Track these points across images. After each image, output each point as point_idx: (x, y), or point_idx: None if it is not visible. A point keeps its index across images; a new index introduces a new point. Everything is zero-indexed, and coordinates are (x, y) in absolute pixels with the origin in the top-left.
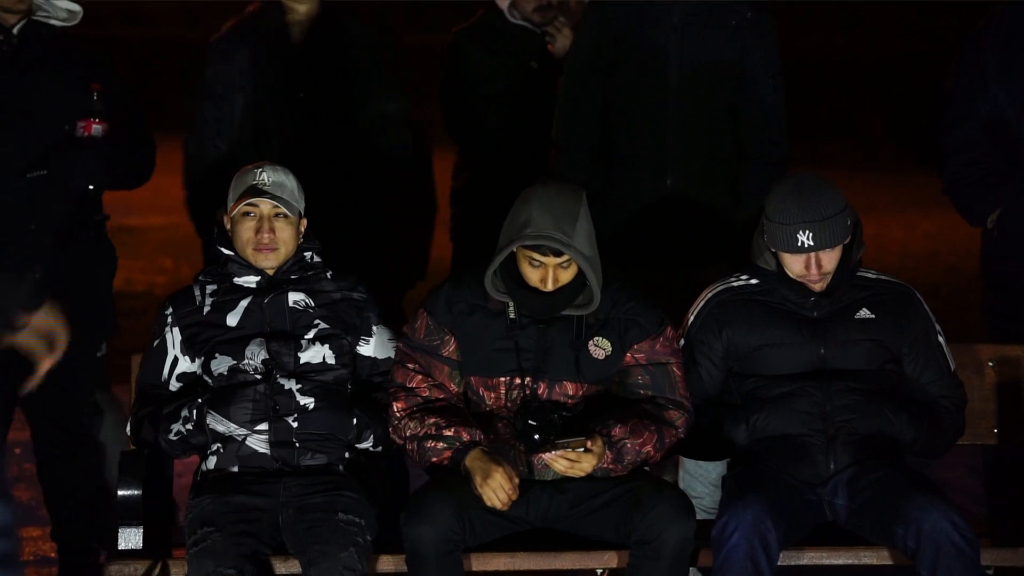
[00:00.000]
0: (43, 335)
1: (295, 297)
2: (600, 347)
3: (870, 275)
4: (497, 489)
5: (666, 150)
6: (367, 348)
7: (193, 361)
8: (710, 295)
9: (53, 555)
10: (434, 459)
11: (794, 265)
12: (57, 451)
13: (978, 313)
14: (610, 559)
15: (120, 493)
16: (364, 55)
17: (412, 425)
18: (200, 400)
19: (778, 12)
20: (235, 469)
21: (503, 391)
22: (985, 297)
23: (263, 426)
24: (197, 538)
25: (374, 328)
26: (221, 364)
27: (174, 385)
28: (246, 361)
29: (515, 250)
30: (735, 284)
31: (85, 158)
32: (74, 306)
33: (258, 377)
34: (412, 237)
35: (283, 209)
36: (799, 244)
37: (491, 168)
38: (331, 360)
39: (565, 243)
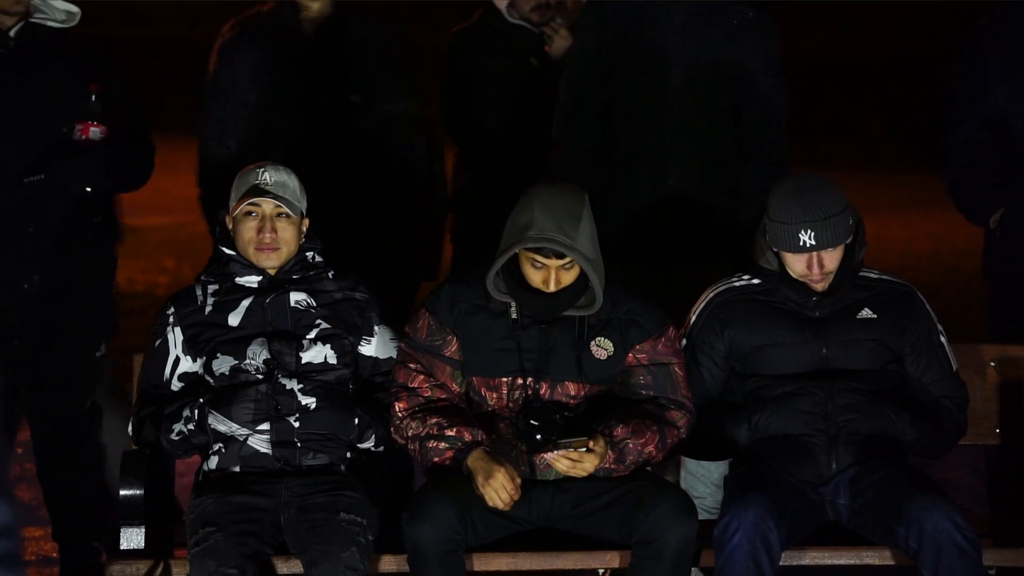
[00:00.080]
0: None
1: (297, 297)
2: (602, 347)
3: (872, 275)
4: (499, 489)
5: (667, 150)
6: (369, 348)
7: (195, 361)
8: (712, 295)
9: (55, 555)
10: (436, 459)
11: (796, 265)
12: (57, 451)
13: (980, 313)
14: (612, 559)
15: (122, 493)
16: (372, 55)
17: (414, 425)
18: (202, 400)
19: (778, 12)
20: (237, 469)
21: (505, 391)
22: (987, 297)
23: (265, 426)
24: (199, 538)
25: (376, 328)
26: (223, 364)
27: (176, 385)
28: (248, 361)
29: (517, 252)
30: (737, 284)
31: (83, 161)
32: (73, 308)
33: (260, 377)
34: (419, 237)
35: (285, 209)
36: (801, 244)
37: (491, 168)
38: (333, 360)
39: (568, 245)
